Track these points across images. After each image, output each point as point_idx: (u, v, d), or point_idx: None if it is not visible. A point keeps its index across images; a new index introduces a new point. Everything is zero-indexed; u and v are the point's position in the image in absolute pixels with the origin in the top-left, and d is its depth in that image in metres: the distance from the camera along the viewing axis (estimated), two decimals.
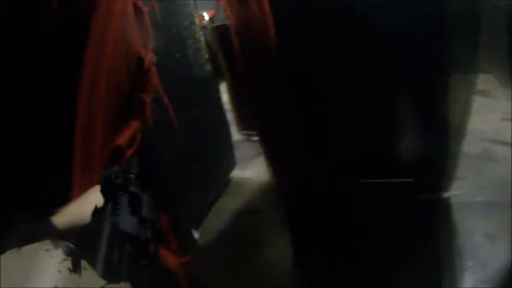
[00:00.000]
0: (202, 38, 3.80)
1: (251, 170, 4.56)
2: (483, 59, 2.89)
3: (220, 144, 4.34)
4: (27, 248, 0.82)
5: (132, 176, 1.39)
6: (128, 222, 1.17)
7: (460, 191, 3.16)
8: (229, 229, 3.72)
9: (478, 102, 3.01)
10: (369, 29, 2.67)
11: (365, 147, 3.07)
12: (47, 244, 0.80)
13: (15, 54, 1.77)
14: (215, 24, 4.60)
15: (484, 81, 3.40)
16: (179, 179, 3.19)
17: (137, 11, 2.17)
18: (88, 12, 1.89)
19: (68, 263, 0.75)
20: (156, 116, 2.74)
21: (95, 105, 1.94)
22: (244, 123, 4.88)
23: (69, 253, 0.76)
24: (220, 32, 4.36)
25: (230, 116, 4.75)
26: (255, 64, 3.02)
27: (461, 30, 2.72)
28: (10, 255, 0.81)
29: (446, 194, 3.15)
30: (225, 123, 4.48)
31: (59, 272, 0.73)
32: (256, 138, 4.29)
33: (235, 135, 4.84)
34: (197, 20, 3.69)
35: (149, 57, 2.23)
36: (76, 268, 0.76)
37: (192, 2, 3.58)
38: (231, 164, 4.55)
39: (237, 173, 4.55)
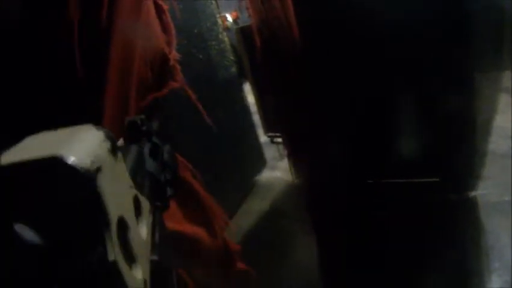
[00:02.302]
0: (226, 39, 3.81)
1: (278, 172, 4.55)
2: (507, 56, 2.82)
3: (246, 146, 4.35)
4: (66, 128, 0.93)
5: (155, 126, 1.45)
6: (149, 164, 1.20)
7: (486, 191, 3.09)
8: (255, 230, 3.72)
9: (503, 100, 2.95)
10: (393, 25, 2.64)
11: (389, 147, 3.04)
12: (88, 125, 0.87)
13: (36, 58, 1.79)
14: (239, 26, 4.61)
15: (509, 78, 3.31)
16: (204, 180, 3.20)
17: (159, 9, 2.18)
18: (110, 13, 1.90)
19: (108, 145, 0.79)
20: (183, 116, 2.76)
21: (124, 106, 1.95)
22: (270, 125, 4.87)
23: (109, 137, 0.81)
24: (244, 33, 4.37)
25: (256, 118, 4.77)
26: (277, 62, 3.02)
27: (484, 27, 2.67)
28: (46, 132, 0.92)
29: (472, 194, 3.09)
30: (251, 126, 4.48)
31: (99, 146, 0.78)
32: (281, 140, 4.28)
33: (262, 137, 4.84)
34: (220, 21, 3.70)
35: (173, 55, 2.24)
36: (114, 151, 0.81)
37: (213, 2, 3.59)
38: (257, 166, 4.55)
39: (263, 175, 4.55)
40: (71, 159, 0.74)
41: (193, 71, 3.25)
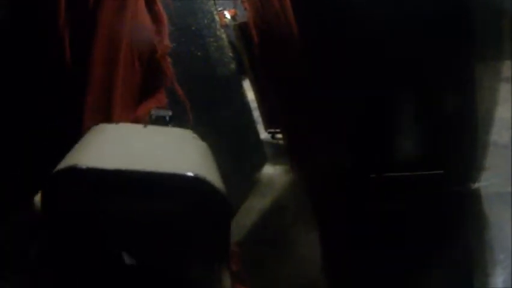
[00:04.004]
0: (224, 36, 3.78)
1: (279, 168, 4.53)
2: (507, 46, 2.81)
3: (246, 143, 4.32)
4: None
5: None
6: None
7: (489, 182, 3.07)
8: (258, 228, 3.70)
9: (503, 90, 2.92)
10: (392, 19, 2.63)
11: (392, 141, 3.02)
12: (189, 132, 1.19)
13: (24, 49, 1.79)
14: (237, 22, 4.59)
15: (509, 68, 3.29)
16: None
17: None
18: (96, 5, 1.88)
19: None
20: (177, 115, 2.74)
21: (108, 96, 1.93)
22: (270, 121, 4.86)
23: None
24: (242, 29, 4.34)
25: (256, 115, 4.74)
26: (275, 57, 3.00)
27: (483, 17, 2.66)
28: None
29: (475, 185, 3.07)
30: (251, 122, 4.45)
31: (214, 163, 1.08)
32: (281, 136, 4.26)
33: (262, 134, 4.81)
34: (217, 18, 3.68)
35: (164, 45, 2.20)
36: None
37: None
38: (258, 163, 4.52)
39: (264, 172, 4.53)
40: (213, 182, 0.91)
41: (192, 69, 3.23)
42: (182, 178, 0.85)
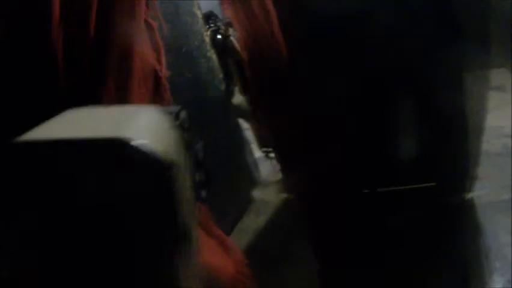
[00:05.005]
0: (214, 57, 3.81)
1: (272, 187, 4.52)
2: (496, 53, 2.83)
3: (240, 163, 4.32)
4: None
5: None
6: None
7: (483, 191, 3.08)
8: (252, 249, 3.68)
9: (493, 98, 2.94)
10: (380, 29, 2.65)
11: (383, 155, 3.03)
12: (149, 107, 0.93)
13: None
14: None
15: (498, 76, 3.32)
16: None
17: (148, 27, 2.17)
18: (107, 33, 1.90)
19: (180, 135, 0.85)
20: None
21: None
22: (263, 140, 4.86)
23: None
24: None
25: (250, 134, 4.75)
26: (264, 75, 3.02)
27: (472, 25, 2.68)
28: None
29: (468, 195, 3.08)
30: (244, 142, 4.46)
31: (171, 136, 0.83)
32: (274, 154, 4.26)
33: (256, 153, 4.81)
34: (207, 39, 3.70)
35: (164, 72, 2.23)
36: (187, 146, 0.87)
37: (200, 20, 3.59)
38: (252, 182, 4.51)
39: (258, 192, 4.51)
40: (141, 144, 0.71)
41: (182, 90, 3.24)
42: (102, 142, 0.73)
